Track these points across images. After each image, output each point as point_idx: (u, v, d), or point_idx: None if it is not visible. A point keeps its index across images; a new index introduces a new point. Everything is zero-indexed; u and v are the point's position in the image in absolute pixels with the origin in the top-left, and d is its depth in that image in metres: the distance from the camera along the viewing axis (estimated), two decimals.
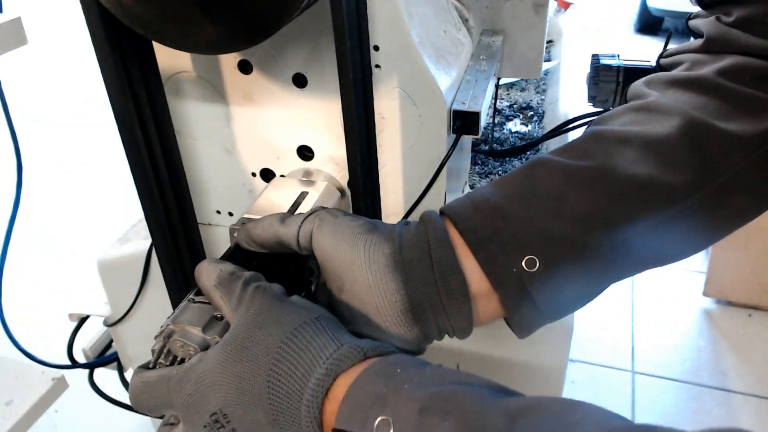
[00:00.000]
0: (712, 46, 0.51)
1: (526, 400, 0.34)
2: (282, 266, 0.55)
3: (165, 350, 0.46)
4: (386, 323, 0.44)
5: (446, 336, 0.46)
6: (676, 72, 0.52)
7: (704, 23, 0.53)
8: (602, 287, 0.46)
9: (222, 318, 0.46)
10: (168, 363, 0.46)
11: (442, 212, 0.47)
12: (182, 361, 0.46)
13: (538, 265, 0.42)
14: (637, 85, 0.54)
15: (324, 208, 0.49)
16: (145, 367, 0.46)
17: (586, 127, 0.54)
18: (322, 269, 0.48)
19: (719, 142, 0.45)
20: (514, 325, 0.46)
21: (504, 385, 0.37)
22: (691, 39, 0.57)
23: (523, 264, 0.43)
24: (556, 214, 0.44)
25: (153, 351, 0.46)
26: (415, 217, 0.65)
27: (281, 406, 0.38)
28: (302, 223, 0.48)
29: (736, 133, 0.45)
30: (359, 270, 0.44)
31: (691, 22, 0.57)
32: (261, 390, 0.38)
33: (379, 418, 0.34)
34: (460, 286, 0.43)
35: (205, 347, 0.44)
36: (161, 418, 0.86)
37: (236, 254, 0.55)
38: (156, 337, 0.46)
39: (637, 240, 0.44)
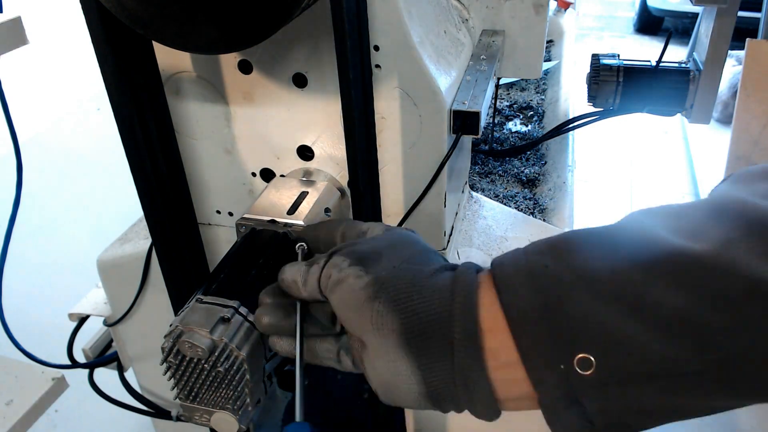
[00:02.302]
0: None
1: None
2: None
3: (174, 350, 0.46)
4: (406, 400, 0.39)
5: None
6: None
7: None
8: (685, 416, 0.35)
9: (229, 319, 0.46)
10: (177, 362, 0.47)
11: (492, 264, 0.39)
12: (191, 360, 0.46)
13: (593, 368, 0.33)
14: None
15: (336, 251, 0.43)
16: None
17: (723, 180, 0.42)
18: None
19: None
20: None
21: None
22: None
23: (575, 362, 0.33)
24: (634, 307, 0.32)
25: (163, 350, 0.47)
26: (416, 216, 0.65)
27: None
28: (319, 285, 0.43)
29: None
30: (371, 341, 0.39)
31: None
32: None
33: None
34: (485, 397, 0.37)
35: (213, 348, 0.45)
36: (163, 417, 0.86)
37: (241, 252, 0.55)
38: (165, 336, 0.47)
39: (747, 367, 0.31)
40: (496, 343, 0.36)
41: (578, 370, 0.33)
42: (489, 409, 0.38)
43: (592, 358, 0.33)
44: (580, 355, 0.33)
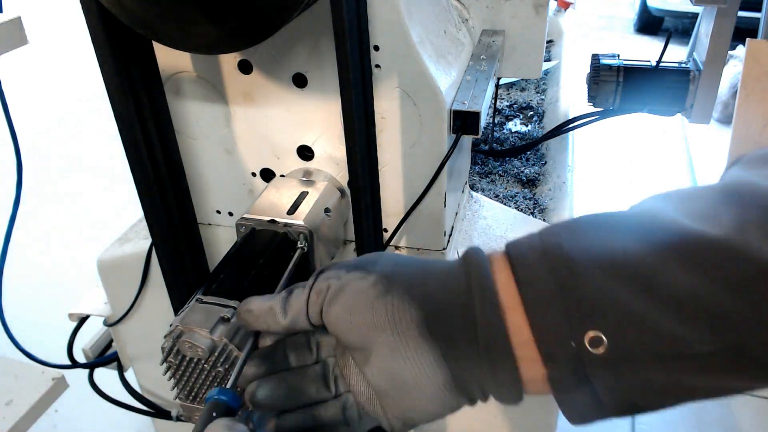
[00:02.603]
0: None
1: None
2: (284, 269, 0.55)
3: (174, 350, 0.46)
4: (428, 396, 0.38)
5: None
6: None
7: None
8: (695, 398, 0.34)
9: (229, 319, 0.46)
10: (177, 362, 0.47)
11: (506, 246, 0.38)
12: (191, 360, 0.46)
13: (605, 346, 0.33)
14: None
15: (322, 271, 0.42)
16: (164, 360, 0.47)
17: (729, 164, 0.42)
18: (340, 342, 0.41)
19: None
20: (563, 410, 0.36)
21: None
22: None
23: (586, 340, 0.33)
24: (647, 286, 0.33)
25: (163, 350, 0.47)
26: (416, 216, 0.65)
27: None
28: (307, 306, 0.40)
29: None
30: (387, 340, 0.37)
31: None
32: None
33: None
34: (511, 377, 0.36)
35: (213, 348, 0.45)
36: (163, 417, 0.86)
37: (241, 252, 0.55)
38: (165, 336, 0.47)
39: (758, 350, 0.31)
40: (516, 320, 0.35)
41: (589, 348, 0.33)
42: (513, 390, 0.37)
43: (603, 337, 0.33)
44: (591, 333, 0.33)
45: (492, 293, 0.36)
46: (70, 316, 0.88)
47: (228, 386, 0.40)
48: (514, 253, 0.37)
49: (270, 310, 0.41)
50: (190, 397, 0.49)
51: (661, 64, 0.89)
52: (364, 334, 0.38)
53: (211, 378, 0.47)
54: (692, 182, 2.70)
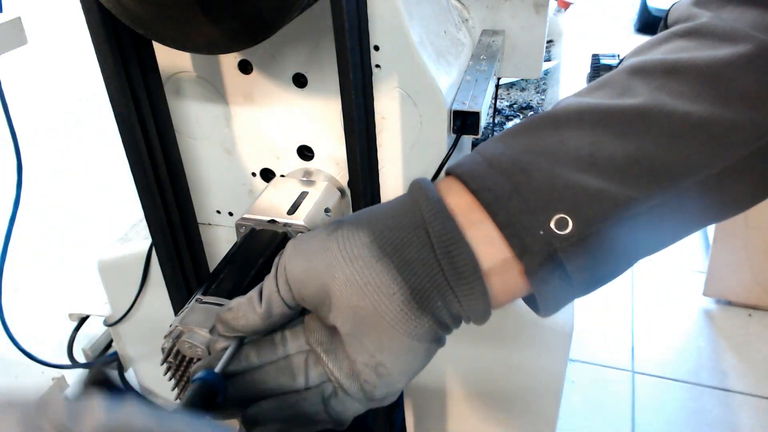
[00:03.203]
0: None
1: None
2: None
3: (174, 350, 0.46)
4: (391, 322, 0.37)
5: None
6: None
7: None
8: (646, 253, 0.38)
9: None
10: (177, 362, 0.47)
11: (448, 172, 0.40)
12: (191, 360, 0.46)
13: (570, 226, 0.35)
14: (682, 6, 0.44)
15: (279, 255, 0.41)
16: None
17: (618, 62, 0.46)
18: (312, 307, 0.40)
19: None
20: (540, 301, 0.37)
21: None
22: None
23: (552, 225, 0.35)
24: (591, 163, 0.36)
25: (163, 350, 0.47)
26: None
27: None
28: (276, 280, 0.40)
29: None
30: (344, 273, 0.37)
31: None
32: None
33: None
34: (469, 261, 0.36)
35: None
36: None
37: (241, 252, 0.56)
38: (165, 336, 0.47)
39: (695, 192, 0.36)
40: (469, 217, 0.37)
41: (557, 231, 0.35)
42: (477, 291, 0.36)
43: (567, 216, 0.35)
44: (556, 217, 0.35)
45: (439, 201, 0.37)
46: (70, 316, 0.88)
47: (217, 371, 0.40)
48: (460, 171, 0.38)
49: (249, 300, 0.41)
50: None
51: None
52: (321, 278, 0.38)
53: None
54: None
